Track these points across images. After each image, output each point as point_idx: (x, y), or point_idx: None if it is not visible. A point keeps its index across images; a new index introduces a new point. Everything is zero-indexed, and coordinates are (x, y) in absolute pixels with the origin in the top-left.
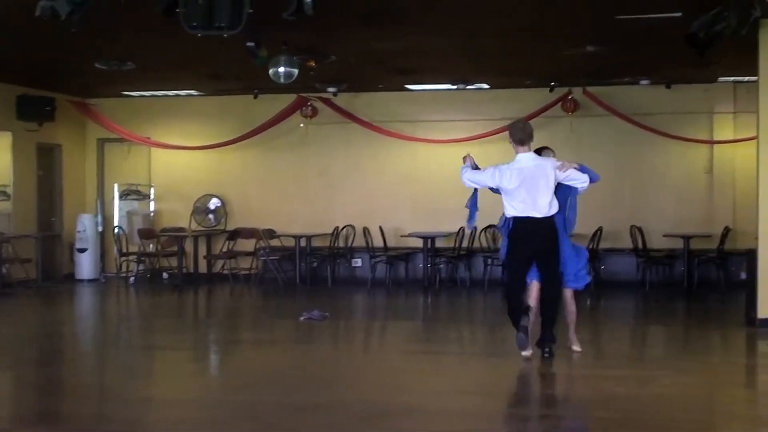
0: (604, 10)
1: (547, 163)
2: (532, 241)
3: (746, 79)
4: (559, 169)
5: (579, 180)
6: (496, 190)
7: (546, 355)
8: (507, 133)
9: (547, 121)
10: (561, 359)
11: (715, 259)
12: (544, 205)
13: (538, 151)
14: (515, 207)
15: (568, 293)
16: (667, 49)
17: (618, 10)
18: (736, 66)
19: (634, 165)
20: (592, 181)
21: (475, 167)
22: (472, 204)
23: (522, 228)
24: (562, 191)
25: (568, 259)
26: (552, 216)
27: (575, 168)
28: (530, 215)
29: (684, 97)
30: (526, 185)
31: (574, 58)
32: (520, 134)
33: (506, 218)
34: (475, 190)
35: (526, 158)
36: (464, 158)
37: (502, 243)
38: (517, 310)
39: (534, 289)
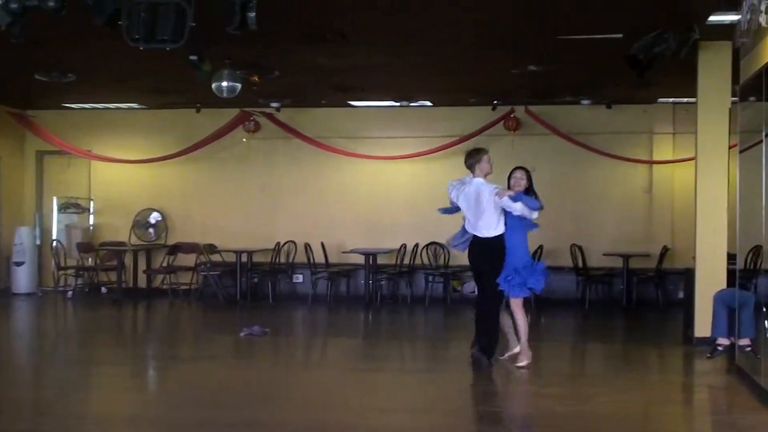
0: (546, 30)
1: (486, 189)
2: (476, 259)
3: (685, 100)
4: (497, 196)
5: (512, 209)
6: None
7: (472, 358)
8: (451, 149)
9: (490, 139)
10: (500, 376)
11: (654, 278)
12: (483, 227)
13: (472, 153)
14: (467, 224)
15: (517, 303)
16: (608, 70)
17: (560, 31)
18: (676, 87)
19: (575, 184)
20: (532, 208)
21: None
22: (447, 210)
23: (471, 245)
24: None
25: (522, 270)
26: (492, 237)
27: (509, 196)
28: (474, 234)
29: (624, 117)
30: (471, 207)
31: (517, 77)
32: (467, 160)
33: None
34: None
35: (475, 182)
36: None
37: None
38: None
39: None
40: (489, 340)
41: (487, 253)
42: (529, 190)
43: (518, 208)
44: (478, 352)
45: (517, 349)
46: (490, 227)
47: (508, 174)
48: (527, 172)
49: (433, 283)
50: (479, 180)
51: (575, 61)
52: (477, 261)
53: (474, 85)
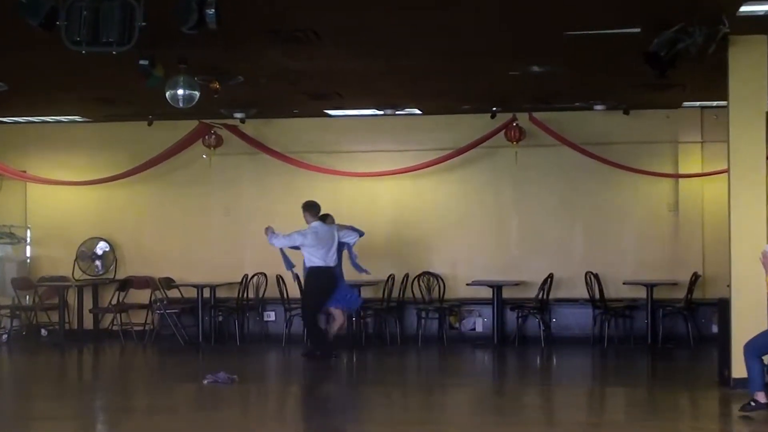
0: (551, 24)
1: (333, 228)
2: (329, 283)
3: (714, 104)
4: (338, 230)
5: (351, 238)
6: (297, 247)
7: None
8: (443, 165)
9: (489, 151)
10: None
11: (683, 311)
12: (333, 258)
13: (323, 217)
14: (314, 259)
15: (343, 313)
16: (624, 70)
17: (568, 25)
18: (703, 89)
19: (589, 202)
20: (361, 235)
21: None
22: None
23: (320, 274)
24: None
25: (344, 289)
26: (336, 266)
27: (347, 228)
28: (326, 265)
29: (644, 124)
30: (322, 244)
31: (519, 80)
32: (314, 210)
33: (307, 266)
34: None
35: (319, 225)
36: (267, 230)
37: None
38: (323, 335)
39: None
40: (316, 342)
41: (335, 278)
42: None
43: (355, 236)
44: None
45: None
46: (336, 257)
47: None
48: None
49: (426, 320)
50: (320, 223)
51: (586, 60)
52: (331, 285)
53: (469, 90)
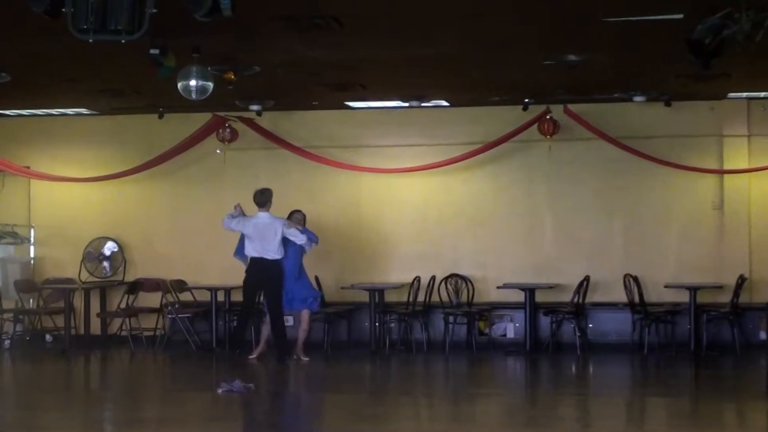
0: (588, 10)
1: (277, 223)
2: (261, 275)
3: (762, 94)
4: (286, 227)
5: (297, 238)
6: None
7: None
8: (473, 159)
9: (521, 146)
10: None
11: (728, 316)
12: (271, 251)
13: (264, 194)
14: (251, 249)
15: (305, 314)
16: (666, 59)
17: (606, 11)
18: (750, 79)
19: (627, 199)
20: (312, 240)
21: (242, 215)
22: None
23: (253, 265)
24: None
25: (303, 288)
26: (277, 259)
27: (297, 229)
28: (261, 257)
29: (687, 116)
30: (259, 236)
31: (553, 70)
32: (258, 199)
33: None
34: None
35: (263, 216)
36: (236, 206)
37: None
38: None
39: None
40: (280, 343)
41: (275, 272)
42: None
43: (304, 239)
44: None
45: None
46: (279, 251)
47: None
48: (303, 214)
49: (454, 325)
50: (267, 214)
51: (625, 48)
52: (265, 278)
53: (500, 80)
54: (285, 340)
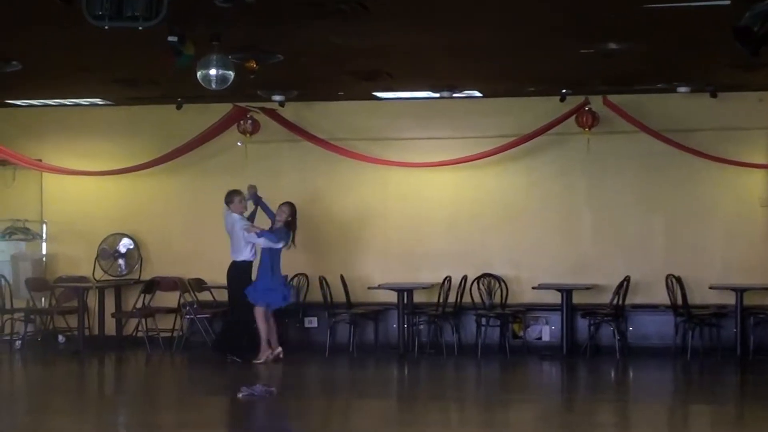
0: None
1: (239, 223)
2: (236, 276)
3: None
4: (245, 230)
5: (255, 241)
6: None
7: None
8: (507, 153)
9: (557, 139)
10: None
11: None
12: (234, 251)
13: (229, 194)
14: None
15: (257, 311)
16: (711, 48)
17: None
18: None
19: (670, 196)
20: (271, 241)
21: (258, 199)
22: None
23: (231, 266)
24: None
25: (280, 285)
26: (240, 261)
27: (255, 233)
28: (233, 259)
29: (734, 108)
30: (229, 235)
31: (592, 59)
32: (226, 199)
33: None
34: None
35: (227, 216)
36: (249, 187)
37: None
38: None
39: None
40: (227, 339)
41: (233, 272)
42: (291, 224)
43: (262, 242)
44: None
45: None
46: (239, 253)
47: None
48: (292, 207)
49: (487, 327)
50: (235, 215)
51: (669, 36)
52: (239, 278)
53: (536, 70)
54: (234, 338)
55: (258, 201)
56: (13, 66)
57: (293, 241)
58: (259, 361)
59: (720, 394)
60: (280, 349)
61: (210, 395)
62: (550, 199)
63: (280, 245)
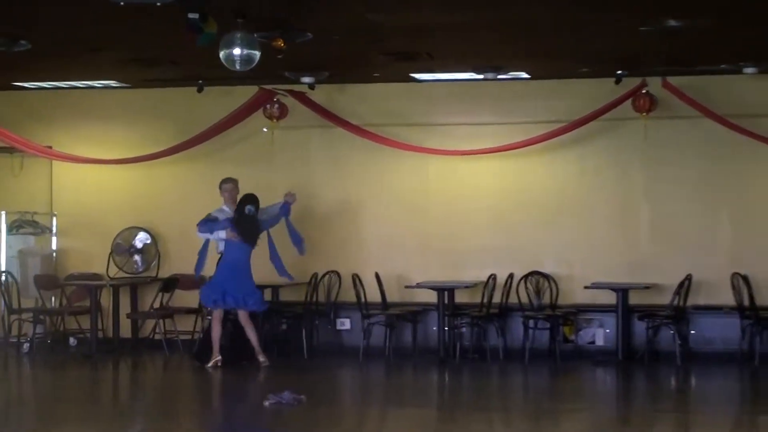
0: None
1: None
2: None
3: None
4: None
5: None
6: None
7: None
8: (556, 140)
9: (612, 124)
10: None
11: None
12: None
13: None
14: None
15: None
16: None
17: None
18: None
19: (736, 187)
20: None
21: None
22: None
23: None
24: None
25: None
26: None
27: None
28: None
29: None
30: None
31: (650, 36)
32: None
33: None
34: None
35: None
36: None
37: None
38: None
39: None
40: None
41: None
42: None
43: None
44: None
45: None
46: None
47: None
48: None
49: (534, 330)
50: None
51: (734, 11)
52: None
53: (588, 49)
54: (205, 343)
55: (287, 214)
56: (21, 45)
57: (241, 233)
58: (208, 365)
59: None
60: (263, 358)
61: (233, 403)
62: (604, 190)
63: (211, 236)
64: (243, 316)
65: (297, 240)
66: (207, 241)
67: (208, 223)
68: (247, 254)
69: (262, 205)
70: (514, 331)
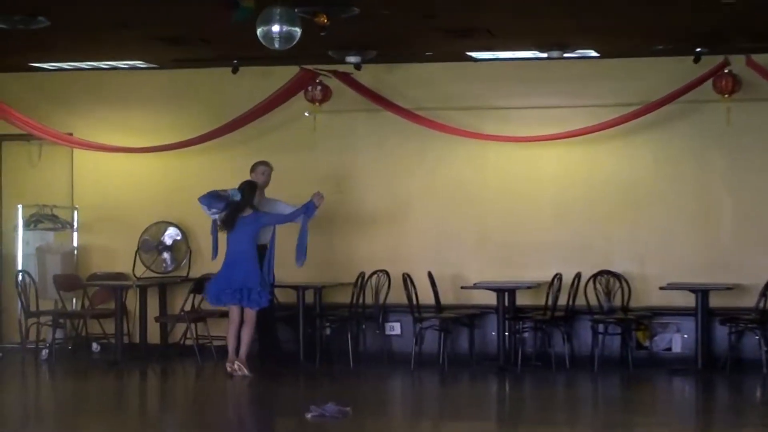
0: None
1: None
2: None
3: None
4: None
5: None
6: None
7: None
8: (629, 125)
9: (691, 107)
10: None
11: None
12: None
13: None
14: None
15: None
16: None
17: None
18: None
19: None
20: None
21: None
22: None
23: None
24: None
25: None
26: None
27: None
28: None
29: None
30: None
31: (734, 9)
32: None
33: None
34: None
35: None
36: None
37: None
38: None
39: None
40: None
41: None
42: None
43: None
44: None
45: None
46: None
47: None
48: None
49: (605, 336)
50: None
51: None
52: None
53: (664, 24)
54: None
55: (310, 215)
56: (40, 22)
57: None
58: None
59: None
60: (237, 365)
61: (272, 415)
62: (681, 180)
63: (208, 212)
64: (247, 313)
65: (302, 251)
66: (215, 220)
67: (212, 199)
68: (250, 244)
69: (290, 202)
70: (581, 336)
